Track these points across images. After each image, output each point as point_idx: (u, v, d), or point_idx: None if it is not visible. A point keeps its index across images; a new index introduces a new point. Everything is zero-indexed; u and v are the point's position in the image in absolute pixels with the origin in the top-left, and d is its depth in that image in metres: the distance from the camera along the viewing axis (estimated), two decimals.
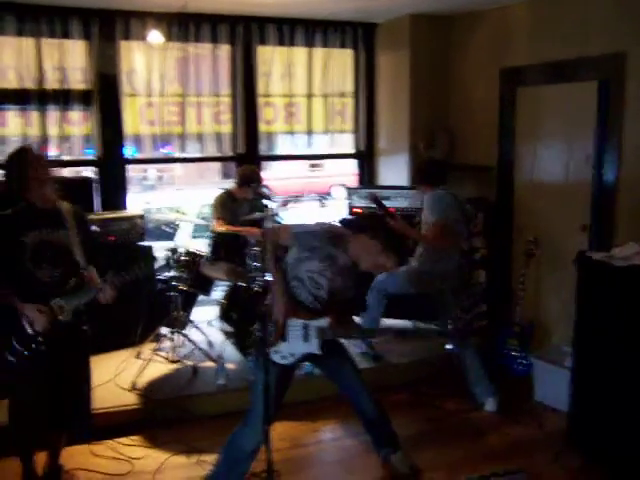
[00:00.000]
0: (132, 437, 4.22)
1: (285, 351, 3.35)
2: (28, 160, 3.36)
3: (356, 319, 4.81)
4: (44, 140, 5.56)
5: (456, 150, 6.23)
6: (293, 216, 5.87)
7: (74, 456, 3.87)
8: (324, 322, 3.34)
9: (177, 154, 6.31)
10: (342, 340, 3.61)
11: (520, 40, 5.47)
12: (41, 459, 3.60)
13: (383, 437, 3.71)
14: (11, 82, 5.48)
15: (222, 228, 5.12)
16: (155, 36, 5.73)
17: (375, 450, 3.75)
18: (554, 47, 5.10)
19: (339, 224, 4.87)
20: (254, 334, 4.31)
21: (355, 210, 6.08)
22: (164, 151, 6.60)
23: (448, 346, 3.94)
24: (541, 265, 5.27)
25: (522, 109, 5.53)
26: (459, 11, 5.96)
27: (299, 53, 6.37)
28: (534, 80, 5.37)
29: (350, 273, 3.40)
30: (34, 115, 5.54)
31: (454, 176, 5.50)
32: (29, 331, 3.23)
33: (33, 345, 3.24)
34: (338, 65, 6.55)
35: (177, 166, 15.85)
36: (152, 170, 16.10)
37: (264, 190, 5.62)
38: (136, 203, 6.68)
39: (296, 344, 3.36)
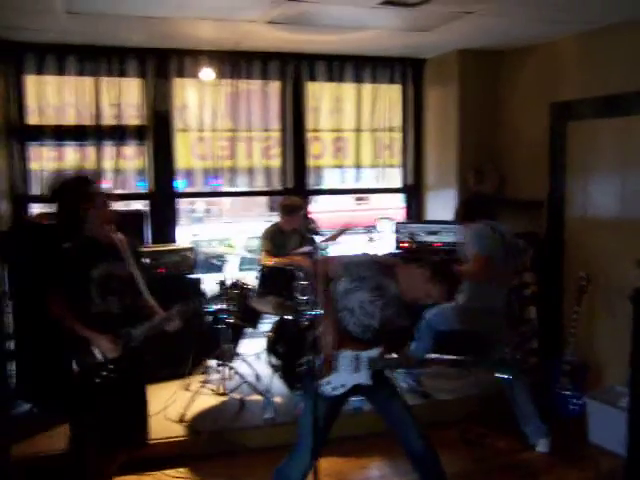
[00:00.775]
0: (179, 469, 4.23)
1: (336, 382, 3.32)
2: (89, 193, 3.45)
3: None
4: (98, 173, 5.74)
5: (506, 185, 6.17)
6: (341, 249, 5.88)
7: None
8: (375, 352, 3.31)
9: (226, 187, 6.42)
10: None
11: (570, 74, 5.43)
12: None
13: (431, 475, 3.62)
14: (70, 119, 5.69)
15: (270, 261, 5.16)
16: (207, 73, 5.90)
17: None
18: (606, 80, 5.05)
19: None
20: (303, 366, 4.29)
21: (402, 244, 6.06)
22: (213, 184, 6.71)
23: (501, 375, 3.83)
24: (594, 302, 5.15)
25: (573, 143, 5.46)
26: (508, 46, 5.97)
27: (348, 89, 6.44)
28: (586, 114, 5.31)
29: (401, 302, 3.39)
30: (90, 150, 5.73)
31: (504, 211, 5.45)
32: (100, 358, 3.30)
33: (104, 372, 3.30)
34: (386, 100, 6.59)
35: (225, 199, 16.07)
36: (200, 203, 16.34)
37: (312, 224, 5.66)
38: (184, 235, 6.78)
39: (347, 375, 3.32)
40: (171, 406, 4.78)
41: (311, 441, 3.02)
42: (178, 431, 4.50)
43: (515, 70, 6.07)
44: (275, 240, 5.41)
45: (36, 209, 5.66)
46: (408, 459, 3.61)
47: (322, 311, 3.39)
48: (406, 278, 3.37)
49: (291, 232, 5.45)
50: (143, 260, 4.39)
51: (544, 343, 5.60)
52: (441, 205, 6.51)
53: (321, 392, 3.27)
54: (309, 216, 6.29)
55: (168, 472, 4.18)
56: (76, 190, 3.51)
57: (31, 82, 5.58)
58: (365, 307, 3.35)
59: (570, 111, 5.45)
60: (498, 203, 5.78)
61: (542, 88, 5.74)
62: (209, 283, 5.50)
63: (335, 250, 5.81)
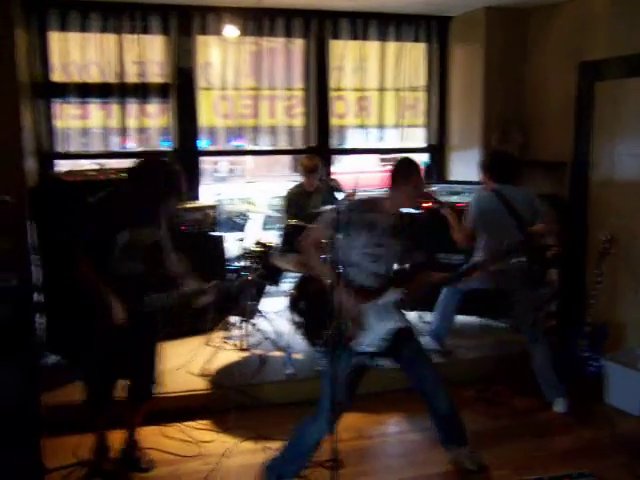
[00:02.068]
0: (201, 421, 4.34)
1: (367, 339, 3.30)
2: (179, 186, 3.48)
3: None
4: (123, 132, 5.78)
5: (529, 146, 6.10)
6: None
7: (147, 436, 4.00)
8: (395, 295, 3.30)
9: (249, 147, 6.42)
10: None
11: (600, 32, 5.30)
12: (117, 437, 3.78)
13: (453, 433, 3.67)
14: (94, 77, 5.71)
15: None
16: (230, 30, 5.86)
17: (442, 445, 3.73)
18: (637, 38, 4.92)
19: None
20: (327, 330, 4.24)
21: (425, 204, 6.02)
22: (236, 144, 6.72)
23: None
24: (617, 264, 5.11)
25: (601, 104, 5.35)
26: (535, 3, 5.84)
27: (372, 47, 6.37)
28: (614, 74, 5.18)
29: (400, 232, 3.35)
30: (114, 108, 5.76)
31: (527, 172, 5.40)
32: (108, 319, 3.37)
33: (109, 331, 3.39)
34: (411, 59, 6.51)
35: (248, 159, 16.09)
36: (223, 163, 16.37)
37: (333, 181, 5.67)
38: (207, 195, 6.82)
39: (377, 327, 3.31)
40: (193, 361, 4.89)
41: (331, 401, 3.07)
42: (200, 385, 4.60)
43: (542, 28, 5.95)
44: (298, 200, 5.43)
45: (62, 166, 5.74)
46: (432, 416, 3.65)
47: (330, 279, 3.18)
48: (396, 201, 3.36)
49: (313, 192, 5.47)
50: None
51: (566, 305, 5.60)
52: (464, 165, 6.47)
53: (354, 350, 3.27)
54: (331, 175, 6.29)
55: (190, 424, 4.30)
56: (169, 176, 3.46)
57: (54, 39, 5.58)
58: (368, 253, 3.29)
59: (598, 70, 5.33)
60: (521, 164, 5.72)
61: (570, 47, 5.62)
62: (231, 241, 5.54)
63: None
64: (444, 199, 5.78)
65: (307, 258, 3.45)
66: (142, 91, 5.79)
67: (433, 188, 5.90)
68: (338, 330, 3.23)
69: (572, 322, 5.18)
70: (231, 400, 4.43)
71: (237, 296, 5.10)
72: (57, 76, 5.64)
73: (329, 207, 5.04)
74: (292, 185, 5.61)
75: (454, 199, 5.84)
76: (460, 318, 5.39)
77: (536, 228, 4.43)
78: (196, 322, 5.29)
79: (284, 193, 5.53)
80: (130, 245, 3.43)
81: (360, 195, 4.50)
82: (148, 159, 3.56)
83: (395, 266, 3.42)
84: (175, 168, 3.55)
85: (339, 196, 4.66)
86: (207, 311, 5.08)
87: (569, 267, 5.63)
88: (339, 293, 3.18)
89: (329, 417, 3.07)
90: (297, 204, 5.41)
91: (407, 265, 3.41)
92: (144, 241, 3.49)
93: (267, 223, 8.69)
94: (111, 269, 3.41)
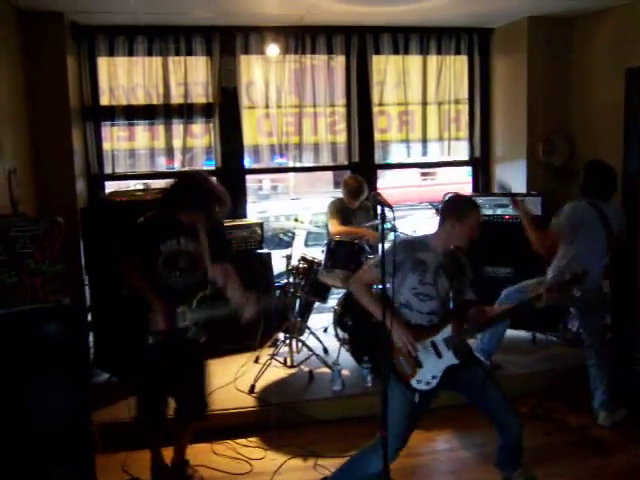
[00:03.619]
0: (250, 439, 4.34)
1: (425, 376, 3.25)
2: (214, 201, 3.53)
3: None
4: (169, 152, 5.89)
5: (577, 156, 6.00)
6: (408, 224, 5.85)
7: (197, 454, 4.02)
8: (448, 331, 3.25)
9: (292, 164, 6.46)
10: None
11: None
12: (169, 453, 3.80)
13: (514, 458, 3.55)
14: (140, 99, 5.85)
15: (340, 228, 5.19)
16: (272, 49, 5.93)
17: (497, 466, 3.61)
18: None
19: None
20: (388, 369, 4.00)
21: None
22: (279, 161, 6.77)
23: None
24: None
25: None
26: (579, 11, 5.76)
27: (413, 61, 6.36)
28: None
29: (447, 268, 3.30)
30: (160, 129, 5.87)
31: (575, 183, 5.30)
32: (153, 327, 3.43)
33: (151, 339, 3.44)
34: (452, 72, 6.47)
35: (290, 176, 16.23)
36: (266, 180, 16.54)
37: (380, 198, 5.63)
38: (252, 212, 6.89)
39: (433, 365, 3.25)
40: (241, 378, 4.91)
41: (395, 443, 3.08)
42: (248, 402, 4.61)
43: (587, 36, 5.86)
44: (342, 212, 5.44)
45: (110, 187, 5.86)
46: (500, 441, 3.52)
47: (386, 322, 3.08)
48: (444, 238, 3.31)
49: (357, 209, 5.47)
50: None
51: (619, 317, 5.46)
52: (510, 177, 6.38)
53: (415, 391, 3.23)
54: (377, 190, 6.28)
55: (239, 441, 4.30)
56: (204, 190, 3.52)
57: (103, 64, 5.75)
58: (418, 292, 3.26)
59: None
60: (568, 174, 5.63)
61: (616, 54, 5.53)
62: (277, 258, 5.57)
63: (404, 226, 5.76)
64: (490, 212, 5.74)
65: (358, 298, 3.44)
66: (187, 112, 5.89)
67: (479, 200, 5.82)
68: (393, 366, 3.23)
69: (627, 335, 5.05)
70: (279, 417, 4.43)
71: (284, 312, 5.12)
72: (105, 99, 5.80)
73: (376, 222, 5.04)
74: (333, 199, 5.61)
75: (499, 212, 5.77)
76: (510, 332, 5.30)
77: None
78: (244, 339, 5.32)
79: (327, 207, 5.55)
80: (173, 255, 3.49)
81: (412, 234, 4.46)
82: (180, 174, 3.64)
83: (450, 304, 3.36)
84: (206, 177, 3.61)
85: (387, 212, 4.62)
86: (256, 328, 5.11)
87: (621, 278, 5.49)
88: (394, 330, 3.15)
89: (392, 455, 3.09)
90: (340, 215, 5.41)
91: (462, 301, 3.36)
92: (188, 252, 3.53)
93: (310, 239, 8.73)
94: (156, 280, 3.47)
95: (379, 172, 6.65)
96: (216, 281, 3.66)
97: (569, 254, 4.39)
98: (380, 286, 3.21)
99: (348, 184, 5.48)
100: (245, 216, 6.11)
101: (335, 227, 5.31)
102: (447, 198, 3.52)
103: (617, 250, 4.42)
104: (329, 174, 14.29)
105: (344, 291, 5.25)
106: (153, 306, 3.42)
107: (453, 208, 3.35)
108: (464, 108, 6.65)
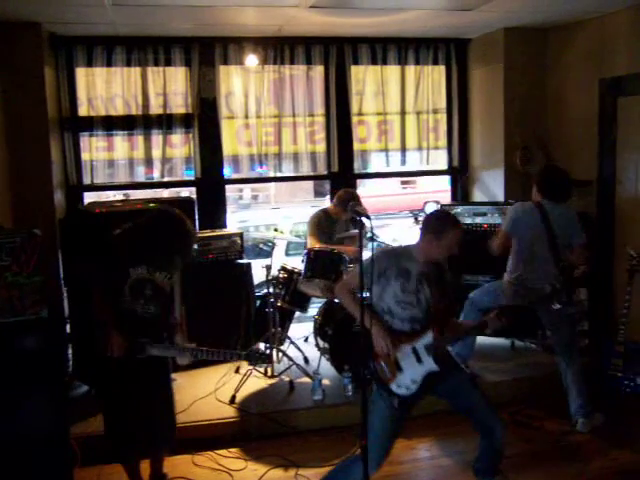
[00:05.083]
0: (231, 449, 4.32)
1: (405, 381, 3.26)
2: (189, 243, 3.58)
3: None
4: (148, 162, 5.88)
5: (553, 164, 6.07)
6: (387, 233, 5.87)
7: (178, 465, 4.01)
8: (428, 337, 3.27)
9: (272, 173, 6.47)
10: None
11: (620, 49, 5.30)
12: (146, 467, 3.77)
13: (494, 465, 3.57)
14: (119, 109, 5.83)
15: (317, 246, 5.20)
16: (252, 60, 5.95)
17: (476, 473, 3.62)
18: None
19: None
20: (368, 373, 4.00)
21: None
22: (259, 171, 6.78)
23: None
24: None
25: (623, 120, 5.34)
26: (554, 23, 5.85)
27: (392, 71, 6.41)
28: (636, 89, 5.17)
29: (429, 276, 3.32)
30: (139, 139, 5.87)
31: None
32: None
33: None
34: (430, 82, 6.53)
35: (271, 186, 16.27)
36: (247, 190, 16.55)
37: (360, 208, 5.64)
38: (232, 222, 6.88)
39: (413, 370, 3.27)
40: (221, 388, 4.89)
41: (378, 451, 3.09)
42: (229, 412, 4.59)
43: (562, 47, 5.95)
44: (322, 226, 5.44)
45: (89, 198, 5.83)
46: (481, 447, 3.52)
47: (367, 324, 3.11)
48: (426, 251, 3.33)
49: (339, 218, 5.48)
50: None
51: (596, 324, 5.52)
52: (488, 186, 6.44)
53: (394, 395, 3.23)
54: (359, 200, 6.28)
55: (220, 452, 4.27)
56: (180, 228, 3.52)
57: (81, 74, 5.73)
58: (400, 299, 3.28)
59: (620, 87, 5.32)
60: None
61: (590, 64, 5.62)
62: (258, 268, 5.57)
63: (383, 235, 5.78)
64: (469, 221, 5.79)
65: (343, 303, 3.49)
66: (166, 122, 5.88)
67: (457, 209, 5.88)
68: (374, 371, 3.26)
69: (604, 342, 5.10)
70: (260, 427, 4.41)
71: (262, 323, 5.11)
72: (84, 110, 5.78)
73: (354, 232, 5.06)
74: (316, 210, 5.62)
75: (478, 220, 5.82)
76: (489, 339, 5.33)
77: (570, 258, 4.41)
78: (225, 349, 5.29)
79: (308, 218, 5.55)
80: (141, 282, 3.46)
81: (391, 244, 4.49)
82: (162, 212, 3.60)
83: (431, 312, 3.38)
84: (187, 225, 3.55)
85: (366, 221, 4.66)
86: (236, 338, 5.10)
87: (598, 285, 5.56)
88: (374, 334, 3.20)
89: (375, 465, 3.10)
90: (322, 229, 5.42)
91: (442, 309, 3.37)
92: (156, 282, 3.51)
93: (291, 248, 8.73)
94: (120, 303, 3.44)
95: (358, 181, 6.68)
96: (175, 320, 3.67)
97: (515, 252, 4.53)
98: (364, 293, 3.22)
99: (339, 194, 5.49)
100: (225, 226, 6.10)
101: (312, 245, 5.30)
102: (429, 214, 3.53)
103: (580, 253, 4.47)
104: (310, 183, 14.36)
105: (324, 300, 5.26)
106: (110, 338, 3.37)
107: (432, 225, 3.35)
108: (442, 117, 6.70)
